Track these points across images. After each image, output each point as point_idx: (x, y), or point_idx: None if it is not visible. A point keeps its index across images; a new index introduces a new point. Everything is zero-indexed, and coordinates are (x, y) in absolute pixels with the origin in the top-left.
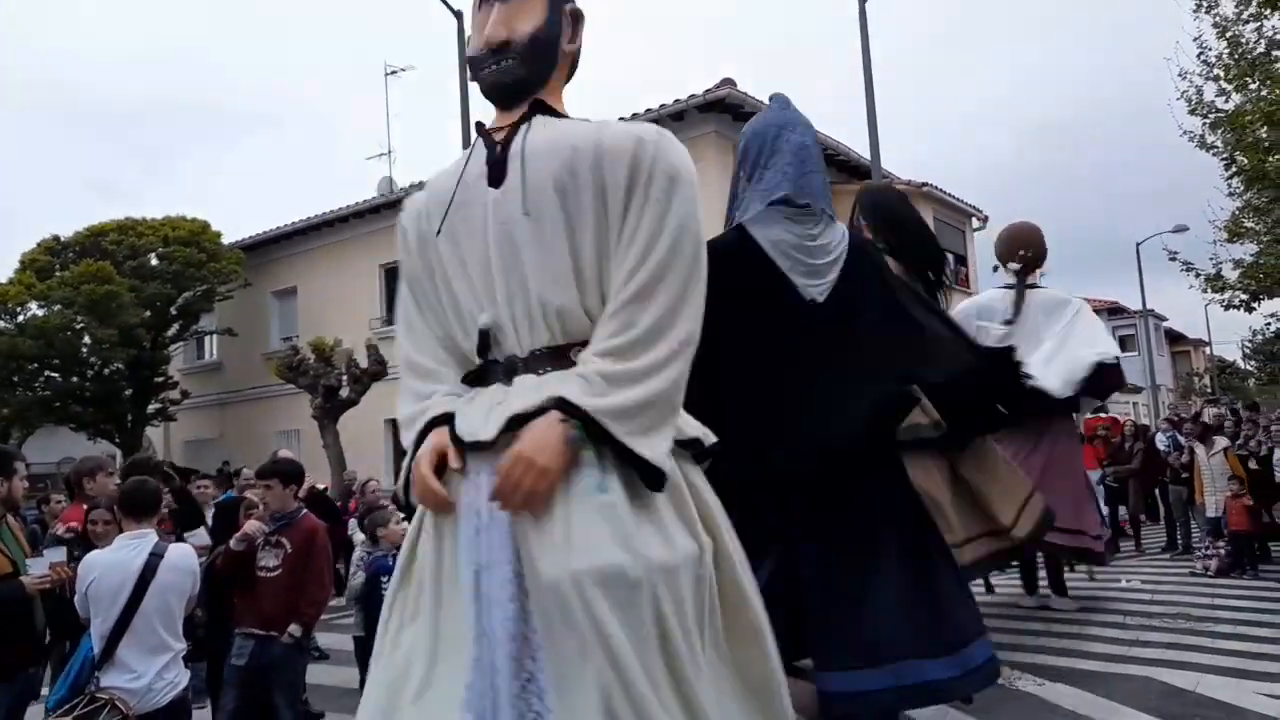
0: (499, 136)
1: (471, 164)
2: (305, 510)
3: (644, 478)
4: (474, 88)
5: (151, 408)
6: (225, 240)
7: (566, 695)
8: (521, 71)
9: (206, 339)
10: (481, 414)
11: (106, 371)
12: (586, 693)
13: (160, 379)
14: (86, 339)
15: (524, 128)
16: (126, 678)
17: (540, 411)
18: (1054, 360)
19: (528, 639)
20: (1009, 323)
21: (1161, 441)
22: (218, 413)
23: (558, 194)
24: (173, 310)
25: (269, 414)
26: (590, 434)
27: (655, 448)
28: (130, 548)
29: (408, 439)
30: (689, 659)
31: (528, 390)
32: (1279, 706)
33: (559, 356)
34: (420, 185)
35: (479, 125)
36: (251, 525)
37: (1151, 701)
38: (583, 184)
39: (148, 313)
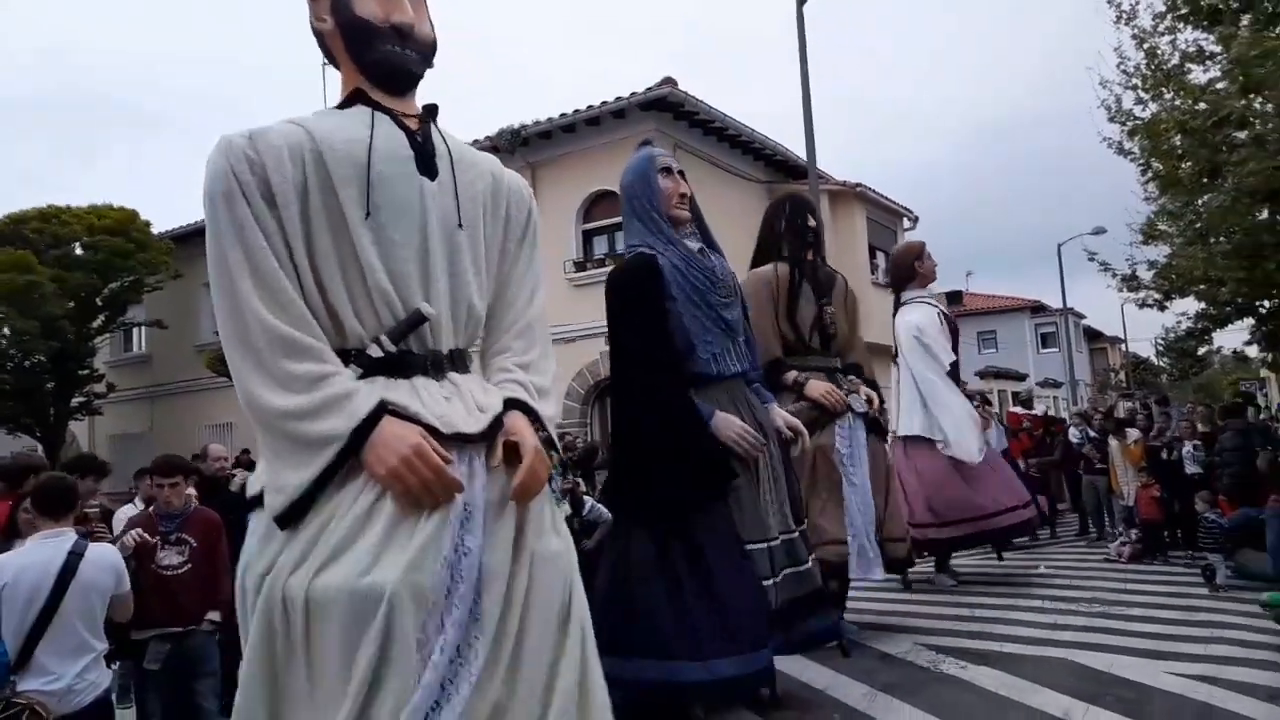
0: (411, 125)
1: (383, 138)
2: (195, 503)
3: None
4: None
5: (75, 401)
6: (155, 230)
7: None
8: (420, 69)
9: (135, 331)
10: (450, 407)
11: (27, 364)
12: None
13: (85, 372)
14: (6, 330)
15: (434, 127)
16: (45, 680)
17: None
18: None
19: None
20: None
21: (1074, 435)
22: (146, 406)
23: (483, 211)
24: (98, 301)
25: (200, 407)
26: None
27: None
28: (47, 547)
29: (321, 425)
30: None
31: (478, 389)
32: (1186, 684)
33: (463, 358)
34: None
35: (368, 98)
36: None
37: (1069, 682)
38: (497, 209)
39: (71, 304)
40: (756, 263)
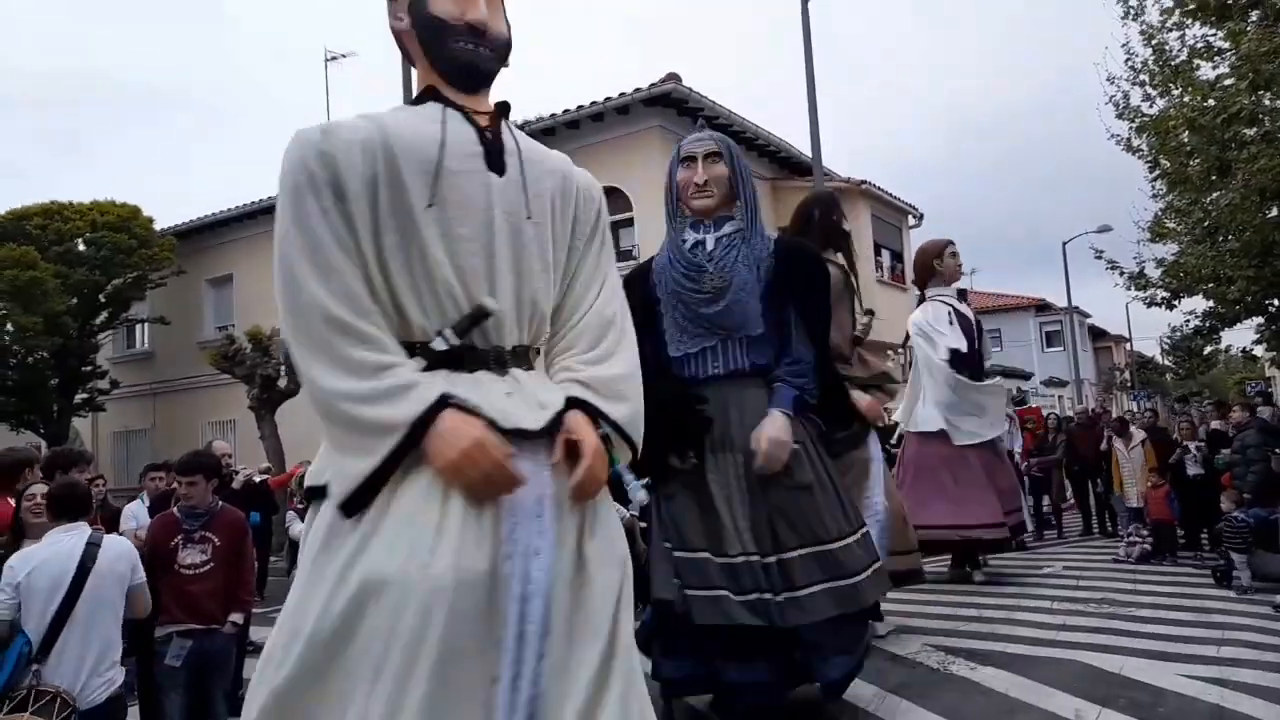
0: (482, 122)
1: (453, 135)
2: (221, 502)
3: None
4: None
5: (79, 398)
6: (158, 226)
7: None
8: (494, 66)
9: (138, 327)
10: (511, 402)
11: (31, 360)
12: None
13: (88, 368)
14: (9, 326)
15: (504, 124)
16: (65, 672)
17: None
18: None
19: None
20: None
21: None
22: (149, 403)
23: (551, 208)
24: (101, 297)
25: (203, 404)
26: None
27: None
28: (66, 539)
29: (382, 411)
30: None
31: (540, 387)
32: (1197, 686)
33: (527, 354)
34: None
35: (440, 95)
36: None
37: (1079, 684)
38: (566, 207)
39: (74, 300)
40: None
